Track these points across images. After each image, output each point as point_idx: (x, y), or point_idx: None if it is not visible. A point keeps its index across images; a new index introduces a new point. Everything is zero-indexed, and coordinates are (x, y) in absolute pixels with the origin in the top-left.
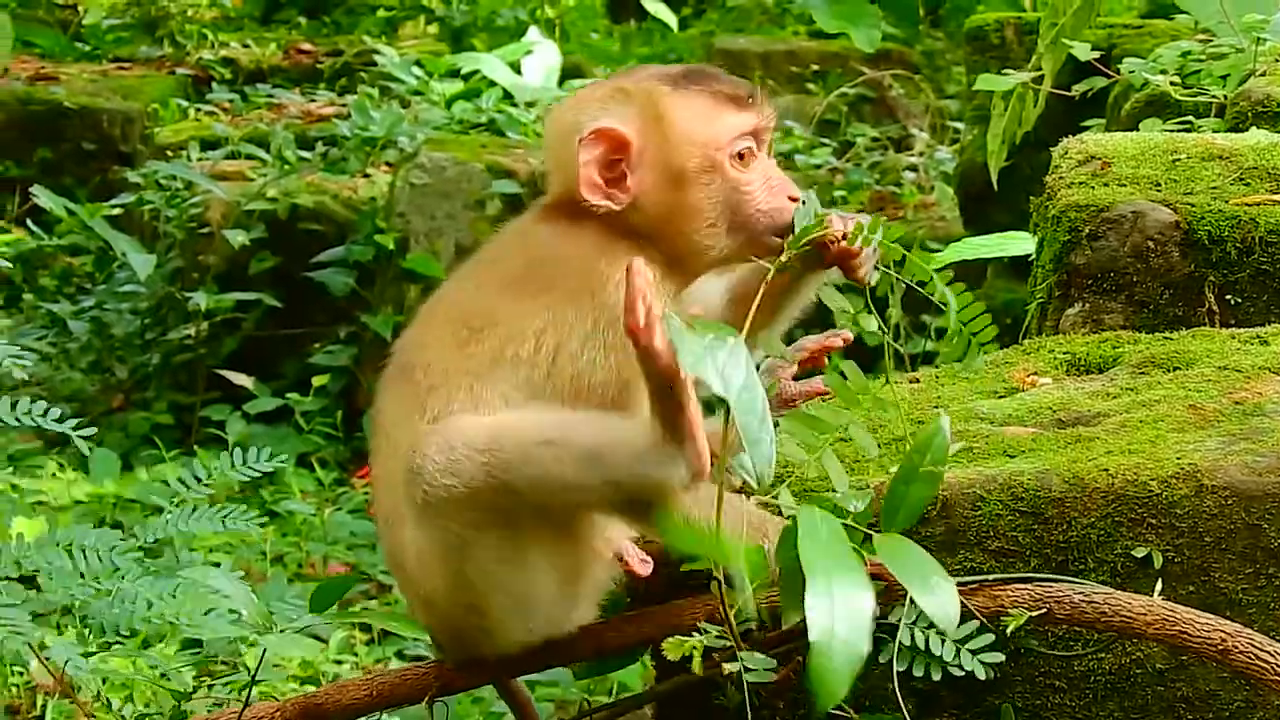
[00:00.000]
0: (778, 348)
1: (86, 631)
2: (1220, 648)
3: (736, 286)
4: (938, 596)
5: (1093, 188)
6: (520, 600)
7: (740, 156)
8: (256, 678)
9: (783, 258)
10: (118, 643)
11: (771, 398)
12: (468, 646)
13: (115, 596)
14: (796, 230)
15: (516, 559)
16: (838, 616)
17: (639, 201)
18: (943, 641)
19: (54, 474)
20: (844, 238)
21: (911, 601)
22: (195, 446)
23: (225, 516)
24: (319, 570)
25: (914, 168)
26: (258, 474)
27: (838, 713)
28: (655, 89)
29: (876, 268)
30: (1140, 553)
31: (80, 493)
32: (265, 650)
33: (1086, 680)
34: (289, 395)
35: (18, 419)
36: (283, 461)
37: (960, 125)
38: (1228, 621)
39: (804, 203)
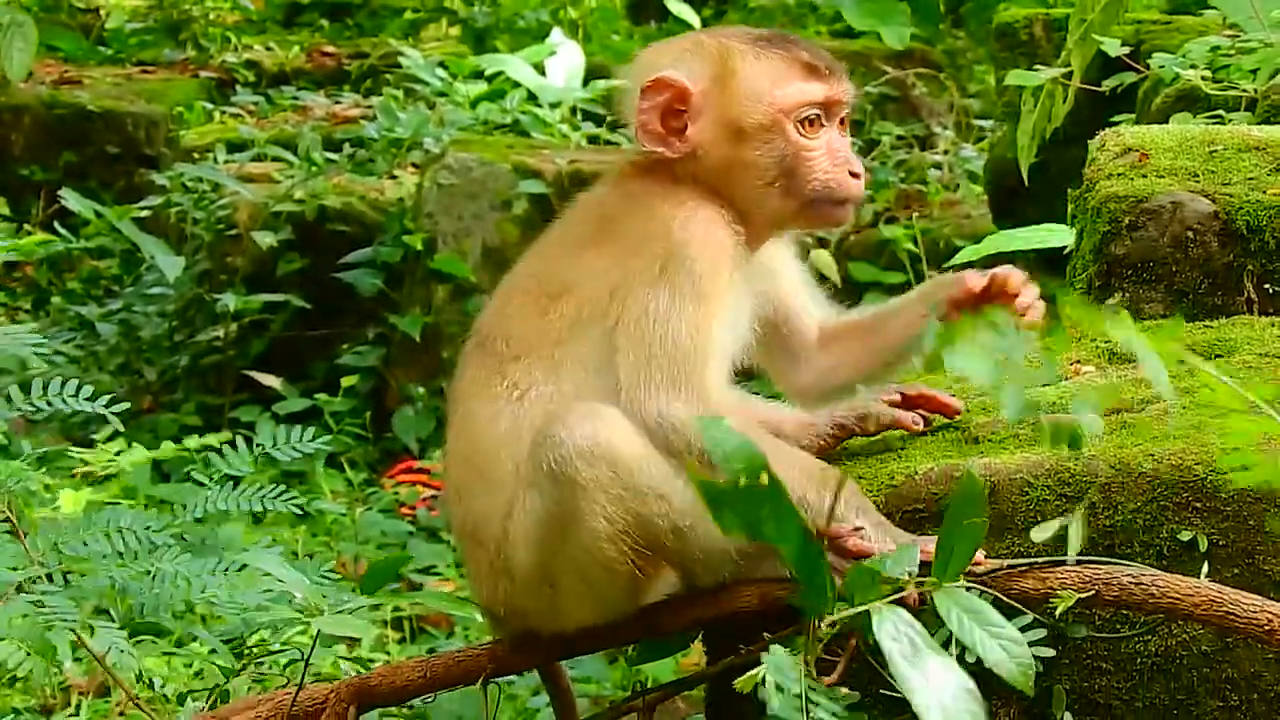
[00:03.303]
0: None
1: (129, 617)
2: (1267, 628)
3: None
4: (1004, 650)
5: (1131, 179)
6: (599, 584)
7: (807, 123)
8: (308, 660)
9: None
10: (155, 636)
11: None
12: (529, 621)
13: (156, 577)
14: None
15: (610, 547)
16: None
17: (699, 153)
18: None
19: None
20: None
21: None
22: (225, 447)
23: (264, 497)
24: (350, 570)
25: (939, 166)
26: (299, 455)
27: (888, 693)
28: (731, 46)
29: None
30: (1185, 536)
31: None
32: (318, 633)
33: (1133, 662)
34: (318, 396)
35: (48, 402)
36: (326, 444)
37: (984, 123)
38: (1274, 603)
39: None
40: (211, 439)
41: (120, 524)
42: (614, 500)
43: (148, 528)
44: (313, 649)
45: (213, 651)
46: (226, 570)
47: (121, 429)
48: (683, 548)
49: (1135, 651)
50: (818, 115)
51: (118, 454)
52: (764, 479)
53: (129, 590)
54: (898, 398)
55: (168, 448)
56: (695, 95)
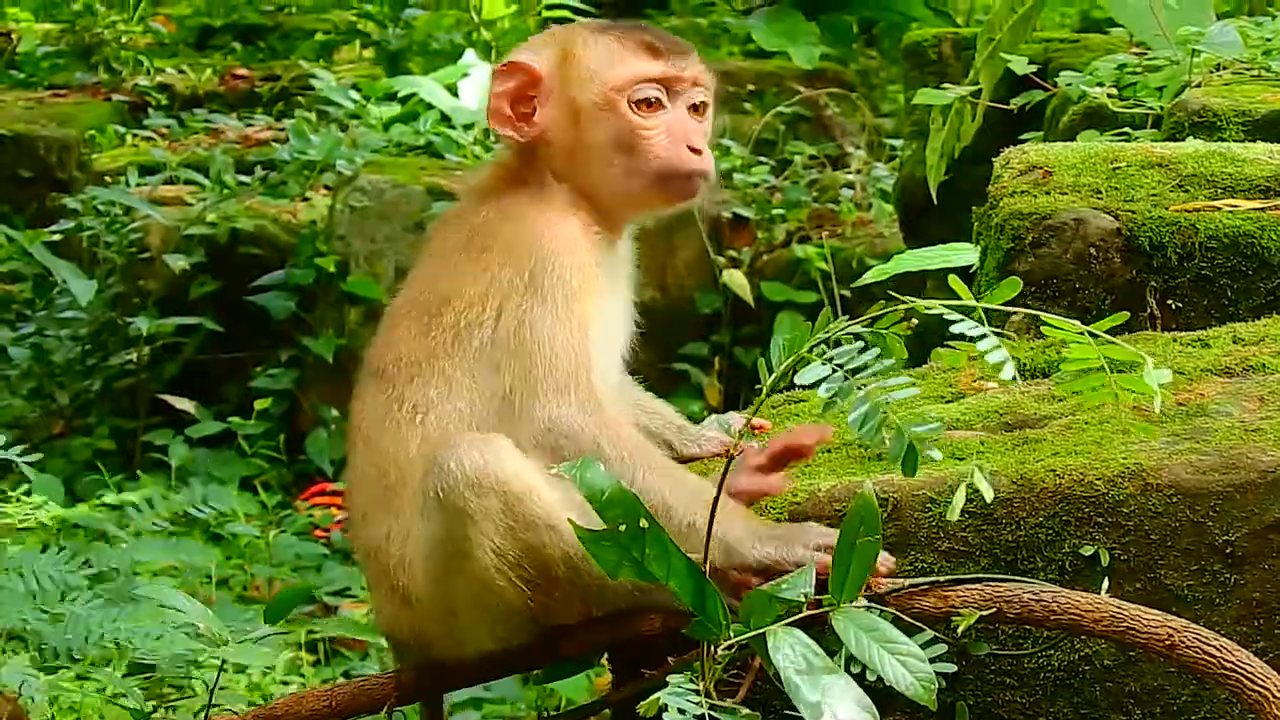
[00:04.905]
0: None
1: (39, 655)
2: (1167, 643)
3: None
4: (904, 667)
5: (1035, 196)
6: (496, 612)
7: (645, 104)
8: (214, 690)
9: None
10: (64, 667)
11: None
12: (431, 650)
13: (68, 621)
14: None
15: (501, 577)
16: None
17: (546, 137)
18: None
19: None
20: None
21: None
22: (138, 471)
23: (174, 548)
24: (264, 592)
25: (851, 185)
26: (204, 511)
27: (791, 714)
28: (576, 31)
29: None
30: (1088, 551)
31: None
32: (223, 661)
33: (1036, 677)
34: (231, 419)
35: None
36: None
37: (896, 143)
38: (1174, 617)
39: None
40: (130, 494)
41: (32, 567)
42: (504, 531)
43: (61, 571)
44: (216, 680)
45: (117, 696)
46: (140, 612)
47: (33, 477)
48: (576, 578)
49: (1039, 666)
50: (657, 96)
51: (36, 509)
52: (643, 521)
53: (40, 632)
54: (764, 460)
55: (82, 508)
56: (543, 80)
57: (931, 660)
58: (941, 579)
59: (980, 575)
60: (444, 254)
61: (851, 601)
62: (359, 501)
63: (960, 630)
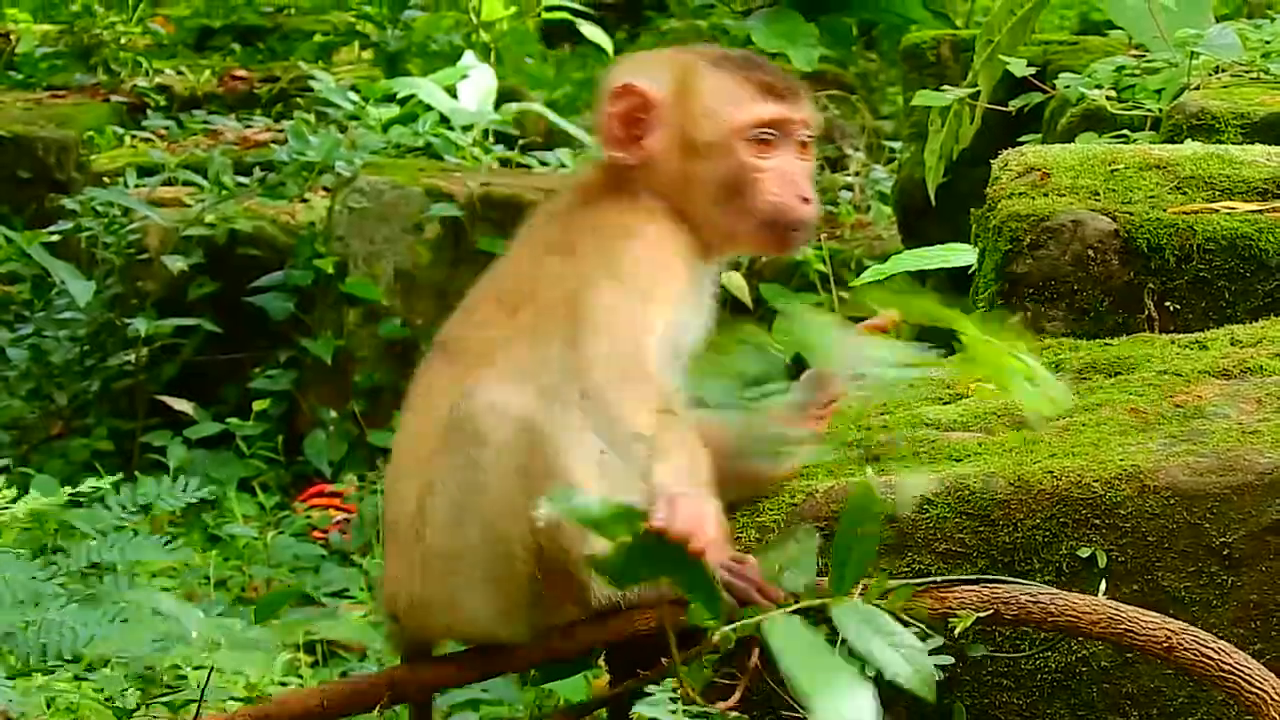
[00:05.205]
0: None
1: (14, 660)
2: (1165, 645)
3: None
4: (903, 660)
5: (1033, 198)
6: (500, 577)
7: (760, 143)
8: (204, 695)
9: None
10: (51, 670)
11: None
12: (429, 623)
13: (41, 627)
14: None
15: (512, 526)
16: None
17: (654, 162)
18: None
19: None
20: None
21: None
22: (136, 473)
23: (167, 544)
24: (262, 594)
25: (850, 187)
26: (195, 500)
27: (789, 715)
28: (695, 62)
29: None
30: (1085, 553)
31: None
32: (212, 668)
33: (1033, 679)
34: (229, 420)
35: None
36: (207, 494)
37: (895, 145)
38: (1172, 619)
39: None
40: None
41: (4, 573)
42: (519, 470)
43: (34, 578)
44: (206, 683)
45: (107, 700)
46: (114, 619)
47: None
48: (576, 555)
49: (1036, 668)
50: (772, 136)
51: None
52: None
53: (15, 638)
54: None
55: (59, 494)
56: (657, 105)
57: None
58: (938, 579)
59: (977, 576)
60: (534, 250)
61: (850, 594)
62: (397, 463)
63: (958, 631)
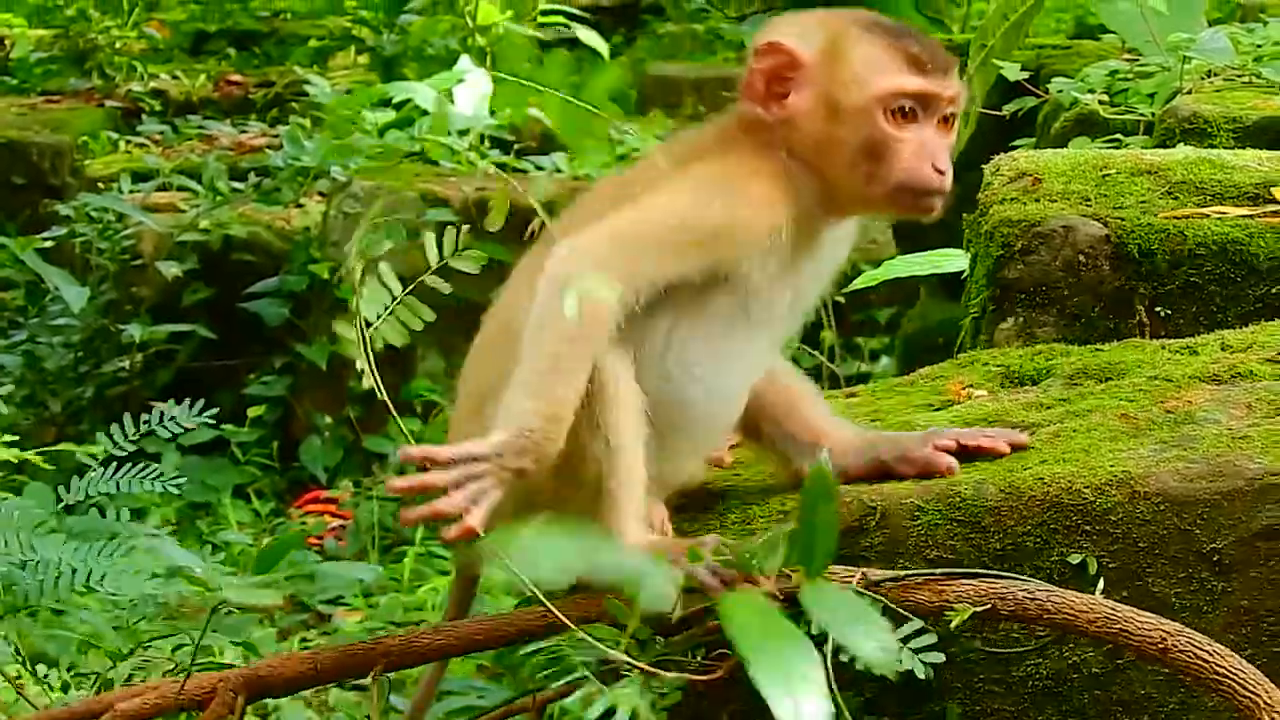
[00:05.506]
0: None
1: (13, 604)
2: (1160, 646)
3: None
4: (871, 642)
5: (1024, 203)
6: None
7: (900, 113)
8: (201, 637)
9: None
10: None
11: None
12: None
13: (39, 564)
14: None
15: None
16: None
17: (794, 121)
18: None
19: None
20: None
21: None
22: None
23: (155, 477)
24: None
25: None
26: (182, 430)
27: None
28: (847, 26)
29: None
30: (1075, 559)
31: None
32: (212, 612)
33: (1024, 685)
34: (224, 426)
35: None
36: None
37: None
38: (1168, 621)
39: None
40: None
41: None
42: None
43: (37, 524)
44: (205, 630)
45: (94, 646)
46: (113, 553)
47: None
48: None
49: (1027, 674)
50: (913, 108)
51: None
52: None
53: (12, 578)
54: (952, 445)
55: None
56: (804, 65)
57: (920, 650)
58: (936, 572)
59: (975, 571)
60: (653, 164)
61: (820, 575)
62: (477, 344)
63: (954, 625)
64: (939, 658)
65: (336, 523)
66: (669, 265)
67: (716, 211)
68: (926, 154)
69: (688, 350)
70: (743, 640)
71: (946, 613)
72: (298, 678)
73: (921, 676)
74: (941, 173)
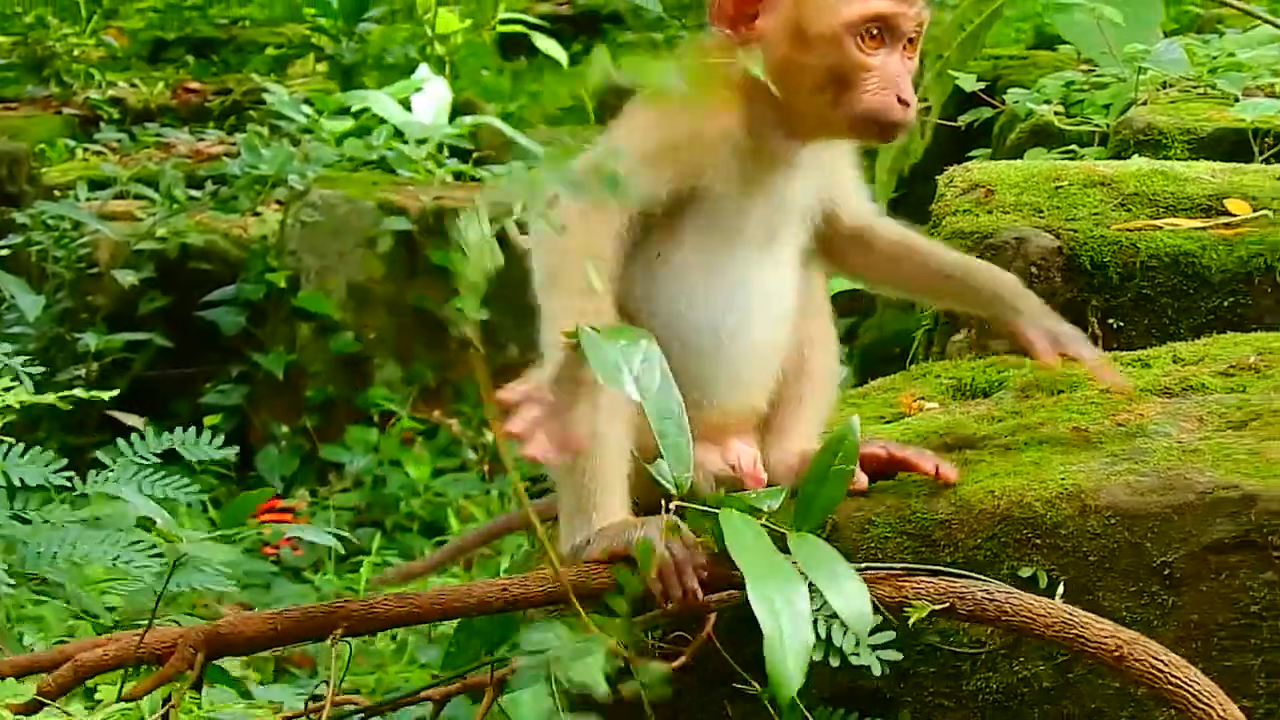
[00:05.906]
0: None
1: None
2: (1116, 654)
3: None
4: (849, 595)
5: (977, 215)
6: None
7: (869, 37)
8: (162, 592)
9: None
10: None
11: None
12: None
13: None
14: None
15: None
16: (782, 615)
17: (761, 44)
18: (844, 633)
19: None
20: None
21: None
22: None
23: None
24: (213, 610)
25: None
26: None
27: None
28: None
29: None
30: (1026, 573)
31: None
32: (175, 563)
33: (975, 699)
34: (183, 443)
35: None
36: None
37: None
38: (1124, 629)
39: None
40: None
41: None
42: None
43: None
44: (168, 581)
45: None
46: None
47: None
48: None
49: (977, 688)
50: (879, 32)
51: None
52: None
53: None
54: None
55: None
56: None
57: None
58: (897, 566)
59: (937, 568)
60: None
61: (814, 529)
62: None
63: (912, 622)
64: (897, 656)
65: (292, 532)
66: (646, 186)
67: (674, 124)
68: (892, 84)
69: (678, 276)
70: (739, 554)
71: (905, 609)
72: (258, 637)
73: (878, 673)
74: (906, 104)
